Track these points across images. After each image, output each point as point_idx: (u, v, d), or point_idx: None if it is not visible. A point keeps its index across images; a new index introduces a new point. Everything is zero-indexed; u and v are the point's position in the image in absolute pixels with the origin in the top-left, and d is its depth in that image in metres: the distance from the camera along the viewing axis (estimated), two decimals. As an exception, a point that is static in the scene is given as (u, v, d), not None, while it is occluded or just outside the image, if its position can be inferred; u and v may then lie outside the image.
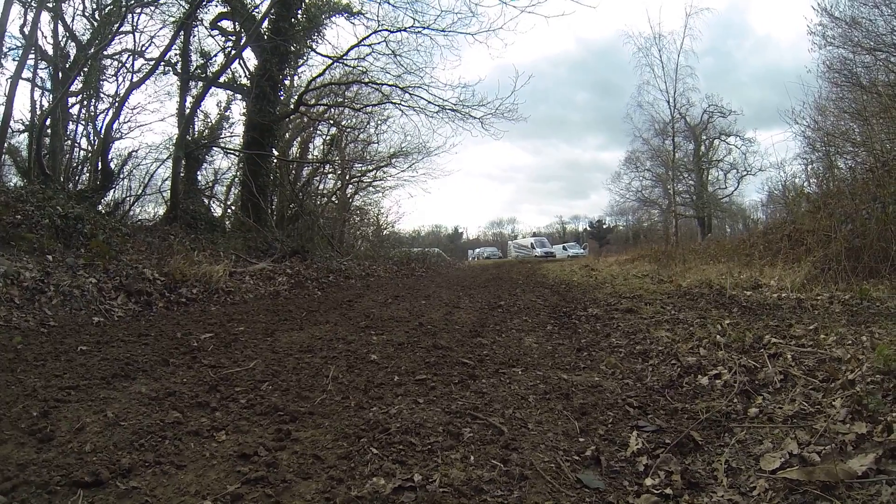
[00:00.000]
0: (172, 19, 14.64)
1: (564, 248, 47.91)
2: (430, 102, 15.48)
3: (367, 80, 15.83)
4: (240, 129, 16.67)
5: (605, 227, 64.04)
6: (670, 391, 3.16)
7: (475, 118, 15.63)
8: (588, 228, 69.49)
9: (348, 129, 19.45)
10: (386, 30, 14.72)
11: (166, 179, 15.93)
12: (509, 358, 4.11)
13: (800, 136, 14.28)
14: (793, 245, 7.86)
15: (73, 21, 14.84)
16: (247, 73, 16.23)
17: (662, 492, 1.97)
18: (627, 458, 2.28)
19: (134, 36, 15.35)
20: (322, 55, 16.34)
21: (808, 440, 2.13)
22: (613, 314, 5.98)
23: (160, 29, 15.53)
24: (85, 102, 15.89)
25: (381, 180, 23.05)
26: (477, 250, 56.82)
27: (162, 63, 13.60)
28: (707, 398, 2.89)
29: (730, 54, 51.93)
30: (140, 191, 16.67)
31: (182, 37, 14.06)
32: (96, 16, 14.94)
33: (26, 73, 13.33)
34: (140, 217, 15.68)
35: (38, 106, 15.00)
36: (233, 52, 15.03)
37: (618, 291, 8.03)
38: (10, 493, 1.88)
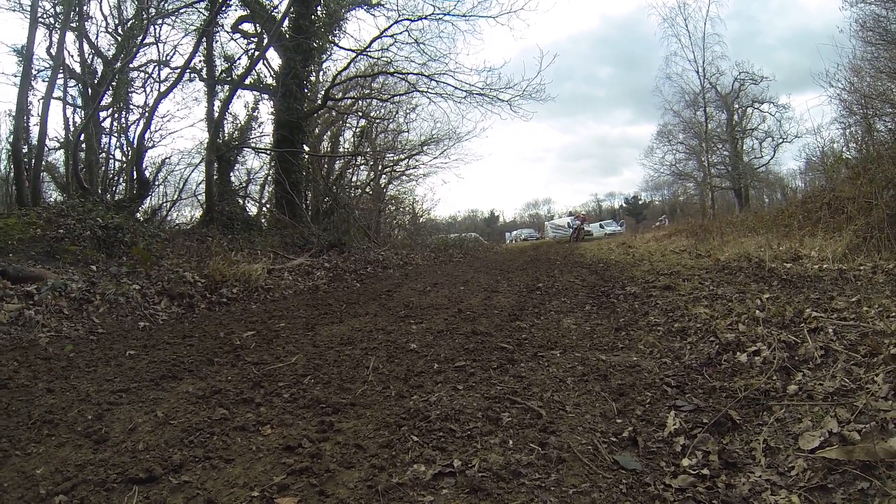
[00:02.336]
0: (194, 27, 14.98)
1: (601, 226, 47.29)
2: (456, 88, 15.47)
3: (392, 70, 15.87)
4: (269, 128, 16.94)
5: (640, 202, 62.95)
6: (708, 369, 3.14)
7: (503, 101, 15.56)
8: (624, 205, 68.39)
9: (377, 120, 19.50)
10: (407, 19, 14.73)
11: (200, 183, 16.40)
12: (548, 340, 4.13)
13: (835, 100, 13.71)
14: (833, 214, 7.57)
15: (97, 38, 15.30)
16: (272, 72, 16.45)
17: (699, 472, 1.98)
18: (665, 438, 2.30)
19: (158, 47, 15.80)
20: (345, 49, 16.45)
21: (849, 418, 2.10)
22: (651, 292, 5.92)
23: (182, 37, 16.02)
24: (116, 115, 16.40)
25: (413, 168, 23.07)
26: (514, 232, 56.50)
27: (187, 71, 13.87)
28: (746, 376, 2.86)
29: (754, 17, 49.93)
30: (175, 196, 17.23)
31: (205, 43, 14.33)
32: (119, 31, 15.34)
33: (57, 93, 13.92)
34: (177, 222, 16.23)
35: (70, 123, 15.63)
36: (256, 53, 15.24)
37: (655, 268, 7.92)
38: (71, 493, 2.01)
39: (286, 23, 14.03)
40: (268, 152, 16.14)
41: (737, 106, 32.15)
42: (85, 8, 14.23)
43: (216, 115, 14.30)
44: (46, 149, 13.00)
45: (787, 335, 3.16)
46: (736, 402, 2.53)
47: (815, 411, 2.24)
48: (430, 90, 15.78)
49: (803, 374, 2.65)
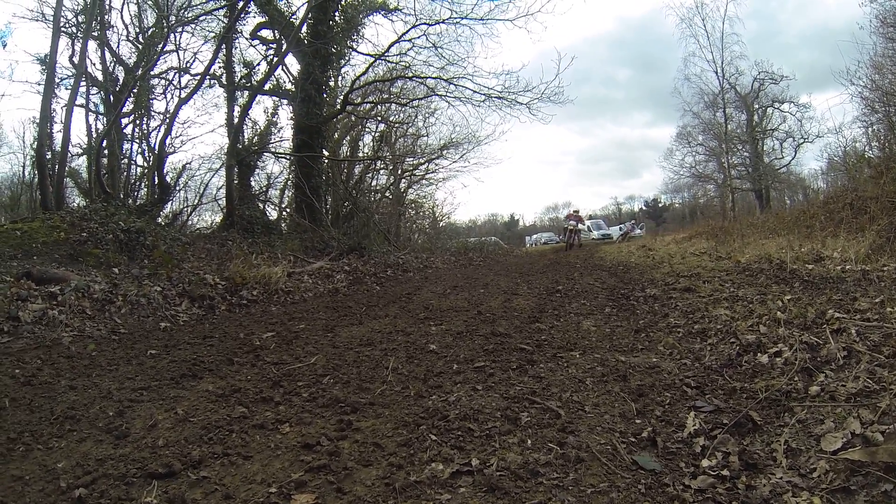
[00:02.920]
0: (213, 34, 15.25)
1: (620, 229, 47.00)
2: (475, 92, 15.48)
3: (410, 74, 15.92)
4: (288, 133, 17.13)
5: (660, 205, 62.34)
6: (729, 370, 3.12)
7: (522, 104, 15.55)
8: (643, 208, 67.76)
9: (397, 125, 19.61)
10: (424, 23, 14.78)
11: (221, 188, 16.61)
12: (567, 342, 4.13)
13: (857, 98, 13.47)
14: (855, 214, 7.42)
15: (118, 46, 15.69)
16: (291, 78, 16.67)
17: (719, 473, 1.98)
18: (684, 438, 2.29)
19: (178, 54, 16.09)
20: (363, 54, 16.58)
21: (872, 419, 2.07)
22: (671, 294, 5.87)
23: (202, 45, 16.28)
24: (137, 122, 16.78)
25: (433, 172, 23.14)
26: (534, 236, 56.11)
27: (207, 77, 14.12)
28: (767, 377, 2.84)
29: (773, 16, 49.02)
30: (196, 201, 17.49)
31: (224, 50, 14.54)
32: (140, 39, 15.70)
33: (79, 100, 14.28)
34: (198, 225, 16.49)
35: (93, 129, 16.09)
36: (275, 59, 15.43)
37: (675, 270, 7.85)
38: (91, 486, 2.06)
39: (304, 29, 14.19)
40: (288, 157, 16.32)
41: (757, 106, 31.67)
42: (106, 17, 14.61)
43: (236, 120, 14.50)
44: (69, 155, 13.32)
45: (809, 336, 3.12)
46: (757, 403, 2.51)
47: (837, 412, 2.21)
48: (448, 94, 15.83)
49: (825, 375, 2.61)
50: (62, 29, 12.21)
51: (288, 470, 2.16)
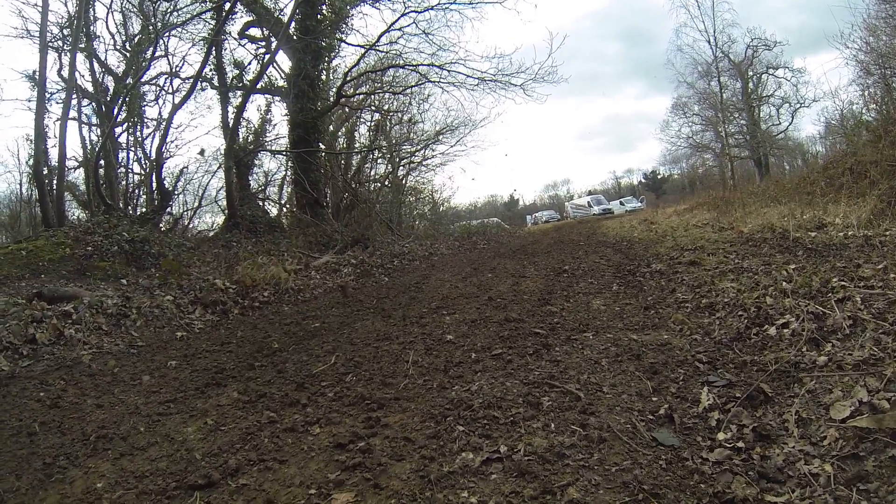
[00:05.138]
0: (201, 37, 15.21)
1: (622, 204, 46.88)
2: (468, 76, 15.51)
3: (402, 62, 15.93)
4: (284, 129, 17.17)
5: (659, 177, 62.16)
6: (738, 344, 3.22)
7: (516, 85, 15.61)
8: (643, 180, 67.49)
9: (391, 113, 19.58)
10: (413, 11, 14.76)
11: (220, 189, 16.71)
12: (579, 323, 4.22)
13: (851, 61, 13.43)
14: (856, 179, 7.46)
15: (106, 56, 15.69)
16: (283, 75, 16.61)
17: (735, 445, 2.09)
18: (699, 413, 2.40)
19: (167, 59, 16.10)
20: (354, 45, 16.54)
21: (878, 387, 2.16)
22: (677, 268, 5.96)
23: (190, 48, 16.15)
24: (131, 130, 16.82)
25: (430, 158, 23.12)
26: (535, 215, 55.93)
27: (199, 80, 14.11)
28: (775, 349, 2.94)
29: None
30: (196, 204, 17.57)
31: (214, 52, 14.53)
32: (127, 46, 15.69)
33: (72, 113, 14.26)
34: (199, 228, 16.60)
35: (87, 141, 16.16)
36: (266, 57, 15.41)
37: (679, 244, 7.92)
38: (135, 502, 2.14)
39: (293, 25, 14.14)
40: (285, 153, 16.33)
41: (751, 73, 31.59)
42: (92, 28, 14.56)
43: (231, 121, 14.52)
44: (66, 168, 13.37)
45: (815, 306, 3.22)
46: (767, 376, 2.61)
47: (844, 381, 2.31)
48: (441, 80, 15.84)
49: (832, 344, 2.71)
50: (49, 44, 12.17)
51: (324, 471, 2.24)
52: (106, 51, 15.66)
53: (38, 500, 2.25)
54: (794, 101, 30.81)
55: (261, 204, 17.40)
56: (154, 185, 14.70)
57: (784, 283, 3.90)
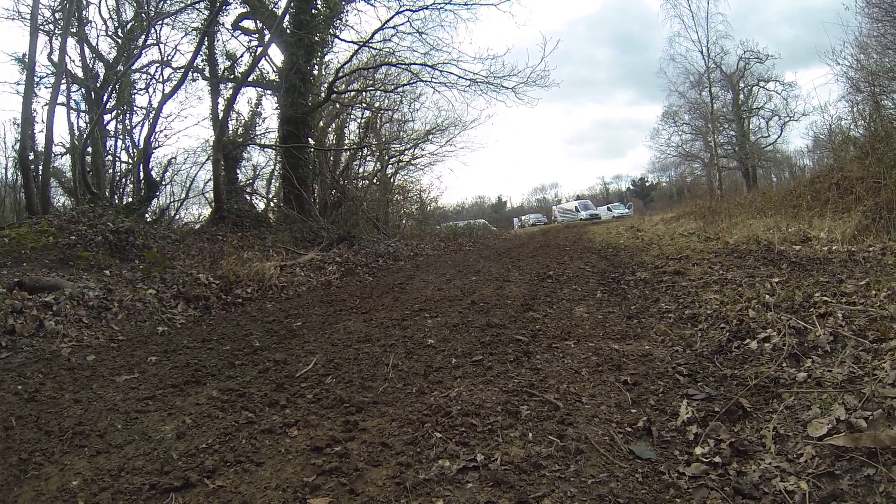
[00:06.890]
0: (194, 27, 15.04)
1: (609, 209, 47.26)
2: (460, 77, 15.44)
3: (394, 60, 15.83)
4: (273, 123, 16.99)
5: (647, 184, 62.73)
6: (719, 357, 3.22)
7: (508, 88, 15.56)
8: (631, 187, 68.19)
9: (382, 111, 19.50)
10: (408, 9, 14.66)
11: (207, 181, 16.54)
12: (561, 331, 4.22)
13: (842, 77, 13.63)
14: (841, 194, 7.54)
15: (97, 42, 15.43)
16: (274, 68, 16.45)
17: (712, 460, 2.08)
18: (678, 427, 2.39)
19: (159, 47, 15.91)
20: (347, 41, 16.38)
21: (856, 405, 2.16)
22: (662, 277, 5.98)
23: (183, 37, 15.97)
24: (120, 117, 16.58)
25: (419, 158, 23.16)
26: (523, 217, 56.13)
27: (190, 70, 13.93)
28: (756, 363, 2.94)
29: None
30: (183, 195, 17.38)
31: (206, 42, 14.34)
32: (119, 33, 15.43)
33: (61, 98, 13.97)
34: (185, 220, 16.41)
35: (75, 127, 15.84)
36: (259, 50, 15.26)
37: (665, 252, 7.96)
38: (110, 502, 2.09)
39: (287, 18, 14.02)
40: (274, 148, 16.20)
41: (742, 85, 32.00)
42: (84, 13, 14.31)
43: (221, 113, 14.34)
44: (53, 154, 13.13)
45: (797, 321, 3.23)
46: (747, 390, 2.61)
47: (823, 398, 2.31)
48: (434, 79, 15.78)
49: (812, 360, 2.72)
50: (39, 27, 11.95)
51: (300, 474, 2.21)
52: (98, 36, 15.44)
53: (12, 496, 2.19)
54: (784, 114, 31.33)
55: (248, 198, 17.24)
56: (141, 174, 14.48)
57: (767, 297, 3.92)
